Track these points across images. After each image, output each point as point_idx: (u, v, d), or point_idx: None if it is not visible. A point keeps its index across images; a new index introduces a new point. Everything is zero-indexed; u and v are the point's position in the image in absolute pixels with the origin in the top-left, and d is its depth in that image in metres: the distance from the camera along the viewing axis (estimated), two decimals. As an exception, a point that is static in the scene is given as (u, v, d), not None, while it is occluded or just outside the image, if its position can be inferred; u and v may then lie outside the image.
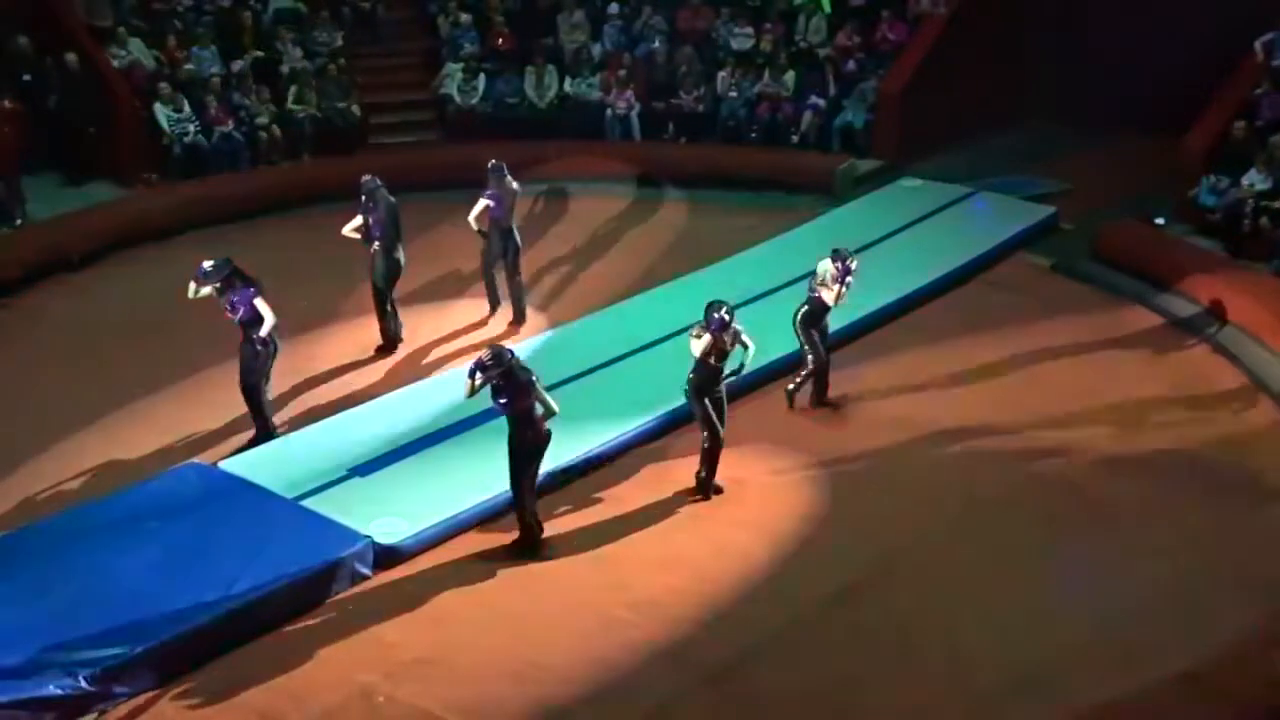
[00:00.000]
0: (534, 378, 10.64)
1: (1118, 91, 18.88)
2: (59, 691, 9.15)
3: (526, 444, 10.75)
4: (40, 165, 18.33)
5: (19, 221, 17.24)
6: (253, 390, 12.40)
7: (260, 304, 12.13)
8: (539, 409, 10.66)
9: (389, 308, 14.33)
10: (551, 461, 11.66)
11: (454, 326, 14.88)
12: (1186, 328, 14.76)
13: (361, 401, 13.24)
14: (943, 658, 9.86)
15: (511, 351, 10.68)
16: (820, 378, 12.99)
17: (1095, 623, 10.15)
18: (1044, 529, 11.33)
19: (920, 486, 11.95)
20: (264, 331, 12.17)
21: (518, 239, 14.76)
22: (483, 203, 14.50)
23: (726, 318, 11.26)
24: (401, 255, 14.22)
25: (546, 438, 10.78)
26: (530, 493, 10.95)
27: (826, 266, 12.70)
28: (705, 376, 11.46)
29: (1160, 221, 16.42)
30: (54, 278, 16.20)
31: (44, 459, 12.37)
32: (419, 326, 14.82)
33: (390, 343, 14.40)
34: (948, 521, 11.47)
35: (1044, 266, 16.39)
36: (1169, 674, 9.54)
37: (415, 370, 13.92)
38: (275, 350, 12.41)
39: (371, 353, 14.31)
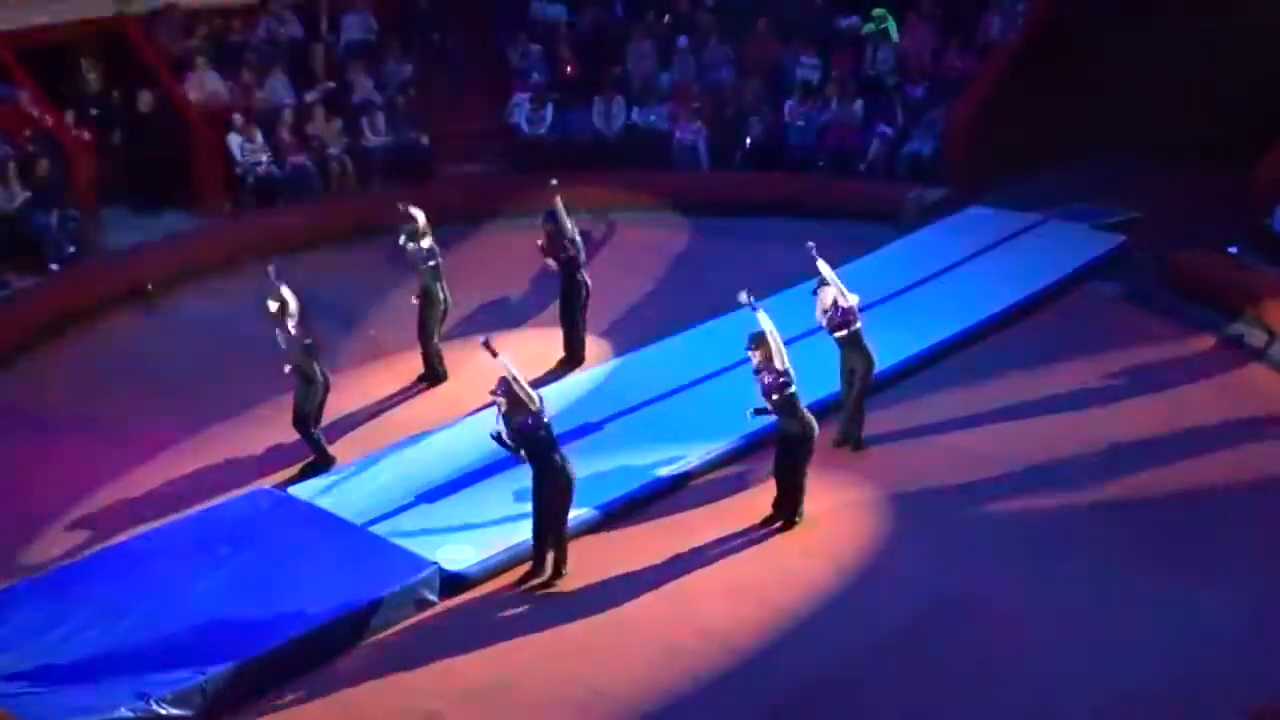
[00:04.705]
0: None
1: (1189, 120, 18.69)
2: (130, 714, 9.24)
3: None
4: (116, 196, 18.65)
5: (95, 251, 17.55)
6: (301, 423, 12.58)
7: (279, 334, 12.34)
8: None
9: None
10: (616, 491, 11.72)
11: (519, 355, 14.88)
12: (1259, 356, 14.55)
13: (428, 429, 13.32)
14: (1018, 692, 9.73)
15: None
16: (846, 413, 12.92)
17: (1168, 657, 9.99)
18: (1116, 560, 11.18)
19: (990, 517, 11.84)
20: (286, 368, 12.37)
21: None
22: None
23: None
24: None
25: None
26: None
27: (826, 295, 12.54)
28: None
29: (1233, 250, 16.23)
30: (129, 306, 16.47)
31: (116, 484, 12.55)
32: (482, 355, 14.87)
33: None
34: (1019, 553, 11.35)
35: (1115, 295, 16.23)
36: (1238, 713, 9.37)
37: (479, 399, 13.95)
38: (327, 386, 12.55)
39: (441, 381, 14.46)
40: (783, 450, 11.56)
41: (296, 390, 12.48)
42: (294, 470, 12.65)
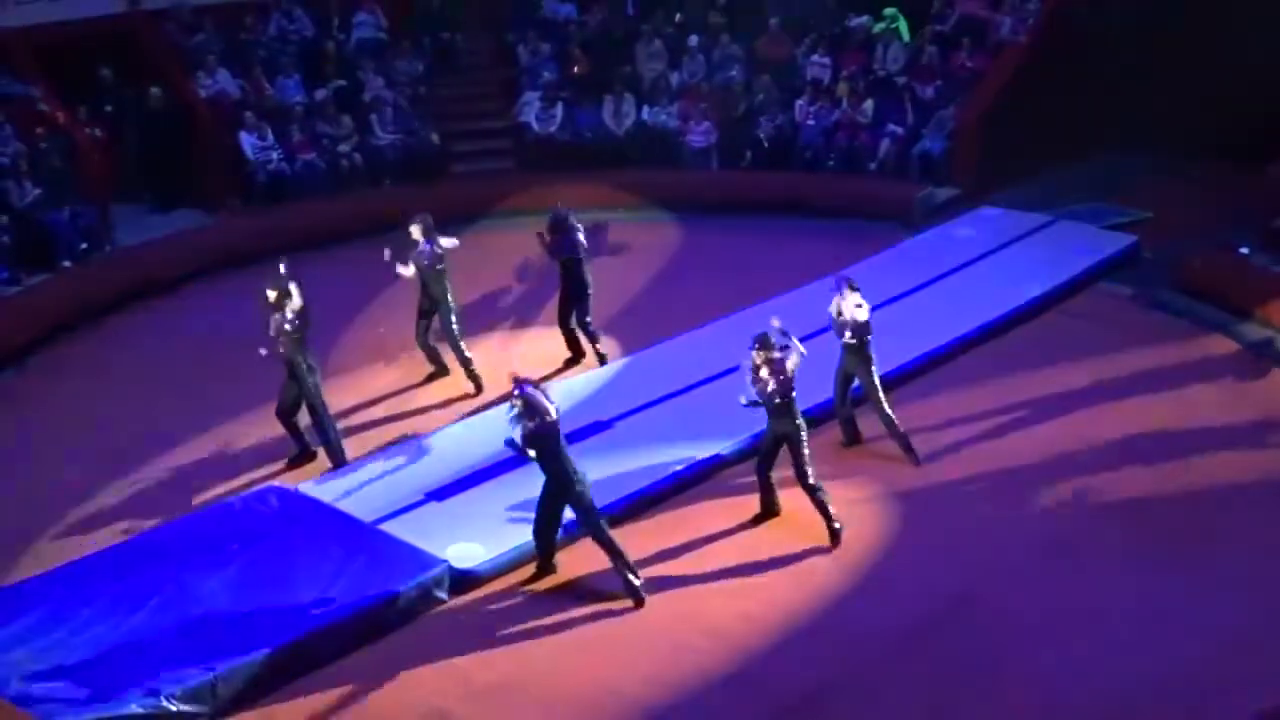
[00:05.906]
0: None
1: (1200, 120, 18.64)
2: (140, 710, 9.29)
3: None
4: (128, 193, 18.70)
5: (107, 248, 17.60)
6: (316, 416, 12.60)
7: (271, 320, 12.27)
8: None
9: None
10: (627, 489, 11.73)
11: (528, 353, 14.93)
12: (1270, 357, 14.52)
13: (436, 427, 13.34)
14: (1022, 691, 9.73)
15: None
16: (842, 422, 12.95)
17: (1171, 657, 9.98)
18: (1123, 562, 11.17)
19: (999, 518, 11.83)
20: (263, 350, 12.34)
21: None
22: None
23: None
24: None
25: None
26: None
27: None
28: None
29: (1244, 251, 16.20)
30: (141, 303, 16.51)
31: (128, 480, 12.61)
32: (493, 355, 14.90)
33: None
34: (1027, 553, 11.35)
35: (1125, 296, 16.20)
36: (1241, 713, 9.35)
37: (488, 397, 13.97)
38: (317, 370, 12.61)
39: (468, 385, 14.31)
40: (773, 451, 11.60)
41: (292, 389, 12.46)
42: (307, 468, 12.68)
